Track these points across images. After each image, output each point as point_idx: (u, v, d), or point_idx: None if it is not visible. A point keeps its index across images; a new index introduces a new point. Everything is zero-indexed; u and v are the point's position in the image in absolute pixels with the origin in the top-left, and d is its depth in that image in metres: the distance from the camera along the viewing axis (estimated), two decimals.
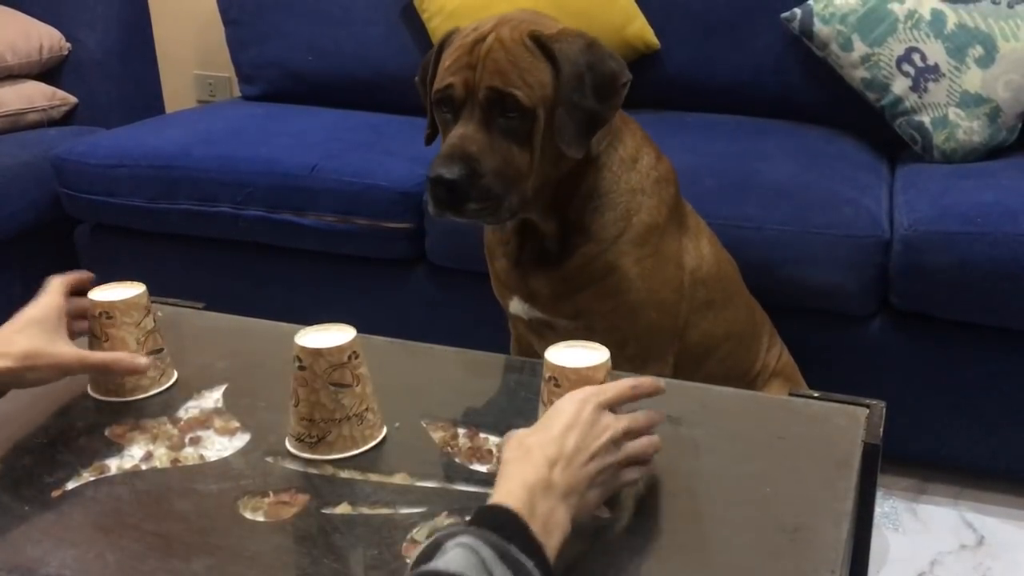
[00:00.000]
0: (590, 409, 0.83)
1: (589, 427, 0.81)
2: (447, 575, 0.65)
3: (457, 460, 0.96)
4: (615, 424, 0.84)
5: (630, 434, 0.85)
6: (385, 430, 1.02)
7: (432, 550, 0.68)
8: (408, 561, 0.81)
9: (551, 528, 0.74)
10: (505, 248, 1.33)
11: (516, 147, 1.15)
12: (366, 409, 0.98)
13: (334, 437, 0.97)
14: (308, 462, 0.96)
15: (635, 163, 1.27)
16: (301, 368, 0.95)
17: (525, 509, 0.73)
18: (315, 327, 0.98)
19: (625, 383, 0.88)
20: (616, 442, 0.83)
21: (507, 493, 0.74)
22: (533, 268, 1.30)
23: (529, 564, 0.69)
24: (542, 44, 1.15)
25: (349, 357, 0.96)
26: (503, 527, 0.70)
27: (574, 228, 1.26)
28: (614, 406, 0.86)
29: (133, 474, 0.95)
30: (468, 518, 0.72)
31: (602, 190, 1.25)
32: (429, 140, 1.31)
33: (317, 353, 0.94)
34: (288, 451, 0.99)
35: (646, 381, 0.90)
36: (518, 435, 0.81)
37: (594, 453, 0.81)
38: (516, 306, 1.35)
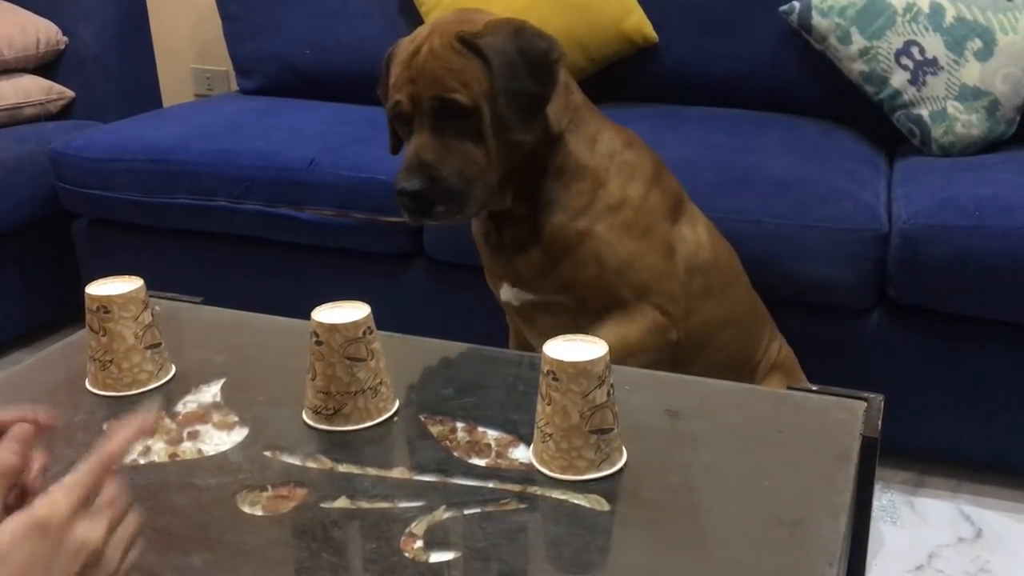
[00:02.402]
0: (51, 536, 0.61)
1: (51, 565, 0.61)
2: None
3: (455, 454, 0.96)
4: (92, 534, 0.63)
5: (114, 524, 0.66)
6: (398, 404, 1.05)
7: None
8: (407, 555, 0.81)
9: None
10: (487, 237, 1.37)
11: (471, 145, 1.21)
12: (380, 383, 1.02)
13: (349, 409, 1.00)
14: (322, 437, 0.98)
15: (599, 138, 1.31)
16: (318, 343, 0.98)
17: None
18: (330, 304, 1.01)
19: (88, 465, 0.66)
20: (100, 553, 0.64)
21: None
22: (515, 251, 1.33)
23: None
24: (469, 43, 1.20)
25: (364, 332, 0.99)
26: None
27: (545, 204, 1.29)
28: (89, 500, 0.65)
29: (131, 468, 0.95)
30: None
31: (570, 165, 1.29)
32: (394, 150, 1.36)
33: (333, 328, 0.97)
34: (305, 423, 1.02)
35: (114, 442, 0.68)
36: None
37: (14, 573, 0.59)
38: (506, 292, 1.38)
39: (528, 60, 1.20)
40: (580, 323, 1.30)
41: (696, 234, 1.39)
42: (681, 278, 1.34)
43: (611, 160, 1.31)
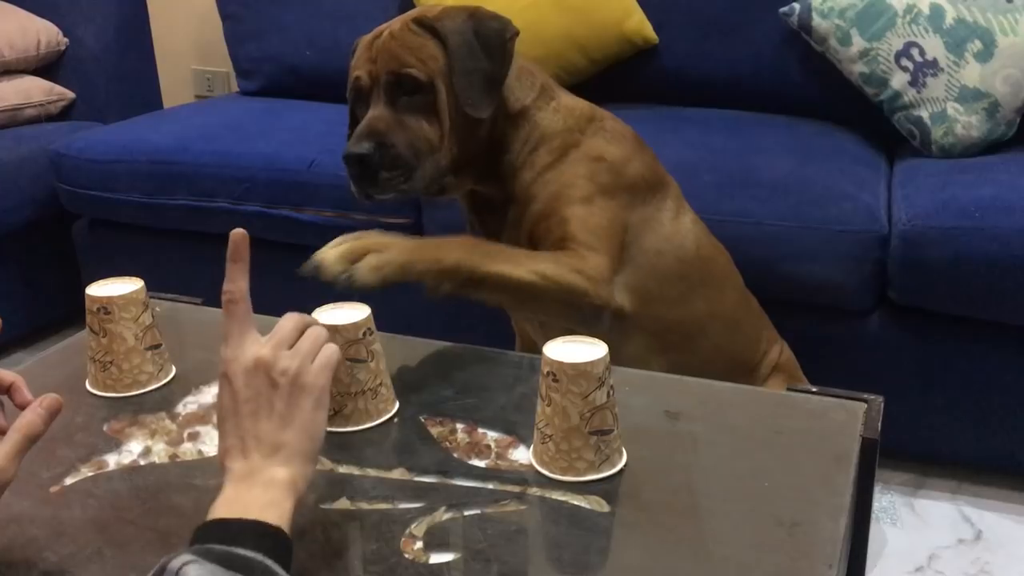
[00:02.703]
0: (226, 381, 0.80)
1: (236, 393, 0.79)
2: None
3: (455, 455, 0.97)
4: (261, 352, 0.81)
5: (285, 342, 0.83)
6: (397, 405, 1.05)
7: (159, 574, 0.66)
8: (407, 556, 0.81)
9: (275, 498, 0.74)
10: (472, 227, 1.39)
11: (423, 120, 1.24)
12: (380, 384, 1.02)
13: (350, 410, 1.00)
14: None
15: (572, 109, 1.33)
16: None
17: (234, 510, 0.72)
18: (331, 305, 1.02)
19: (288, 320, 0.86)
20: (272, 368, 0.80)
21: (215, 513, 0.73)
22: (497, 231, 1.34)
23: (260, 558, 0.67)
24: (426, 25, 1.25)
25: (364, 334, 1.00)
26: (222, 534, 0.69)
27: (513, 171, 1.31)
28: (285, 346, 0.83)
29: (131, 469, 0.95)
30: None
31: (537, 135, 1.31)
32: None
33: (334, 329, 0.97)
34: None
35: (305, 317, 0.88)
36: (219, 455, 0.80)
37: (260, 401, 0.79)
38: None
39: (482, 38, 1.25)
40: None
41: (678, 223, 1.37)
42: (629, 258, 1.31)
43: (589, 124, 1.33)
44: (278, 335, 0.84)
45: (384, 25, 1.30)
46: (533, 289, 1.18)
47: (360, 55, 1.29)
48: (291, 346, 0.83)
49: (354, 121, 1.33)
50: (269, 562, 0.68)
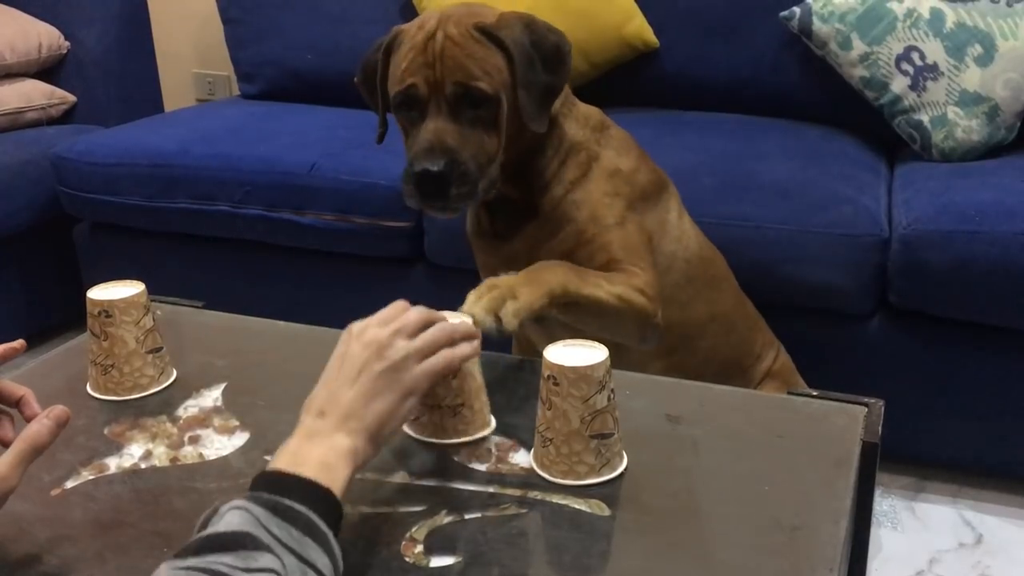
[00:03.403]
0: (347, 339, 0.86)
1: (345, 355, 0.85)
2: (225, 534, 0.67)
3: (456, 459, 0.97)
4: (379, 334, 0.86)
5: (414, 334, 0.88)
6: (488, 431, 1.01)
7: (211, 516, 0.71)
8: (408, 560, 0.81)
9: (331, 462, 0.77)
10: (478, 226, 1.38)
11: (484, 133, 1.22)
12: (461, 404, 0.99)
13: (426, 420, 0.99)
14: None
15: (588, 117, 1.34)
16: None
17: (292, 463, 0.76)
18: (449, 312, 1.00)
19: (414, 312, 0.91)
20: (385, 348, 0.85)
21: (275, 463, 0.77)
22: (509, 233, 1.33)
23: (306, 511, 0.71)
24: (489, 33, 1.22)
25: None
26: (274, 485, 0.73)
27: (541, 182, 1.31)
28: (387, 322, 0.88)
29: (132, 473, 0.95)
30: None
31: (565, 144, 1.31)
32: (381, 139, 1.36)
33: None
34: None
35: (432, 312, 0.93)
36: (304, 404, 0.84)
37: (358, 372, 0.83)
38: None
39: (542, 52, 1.24)
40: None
41: (681, 223, 1.40)
42: (656, 265, 1.34)
43: (602, 134, 1.34)
44: (401, 322, 0.88)
45: (429, 24, 1.22)
46: (611, 310, 1.22)
47: (412, 58, 1.21)
48: (411, 335, 0.88)
49: (383, 123, 1.32)
50: (314, 516, 0.71)
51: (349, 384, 0.82)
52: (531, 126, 1.23)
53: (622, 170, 1.32)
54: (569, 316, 1.22)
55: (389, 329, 0.86)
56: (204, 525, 0.70)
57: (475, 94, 1.20)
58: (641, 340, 1.31)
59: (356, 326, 0.88)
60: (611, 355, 0.91)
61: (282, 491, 0.72)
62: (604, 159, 1.32)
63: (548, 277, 1.17)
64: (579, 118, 1.33)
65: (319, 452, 0.77)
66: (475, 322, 1.04)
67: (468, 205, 1.26)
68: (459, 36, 1.20)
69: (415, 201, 1.21)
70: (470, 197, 1.22)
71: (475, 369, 0.99)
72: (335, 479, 0.76)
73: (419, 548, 0.83)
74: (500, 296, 1.12)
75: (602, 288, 1.22)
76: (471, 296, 1.12)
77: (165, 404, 1.08)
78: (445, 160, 1.18)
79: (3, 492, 0.77)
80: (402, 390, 0.85)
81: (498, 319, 1.11)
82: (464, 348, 0.93)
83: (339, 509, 0.75)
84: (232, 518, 0.69)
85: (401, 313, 0.90)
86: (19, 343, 0.92)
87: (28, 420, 0.86)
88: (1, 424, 0.89)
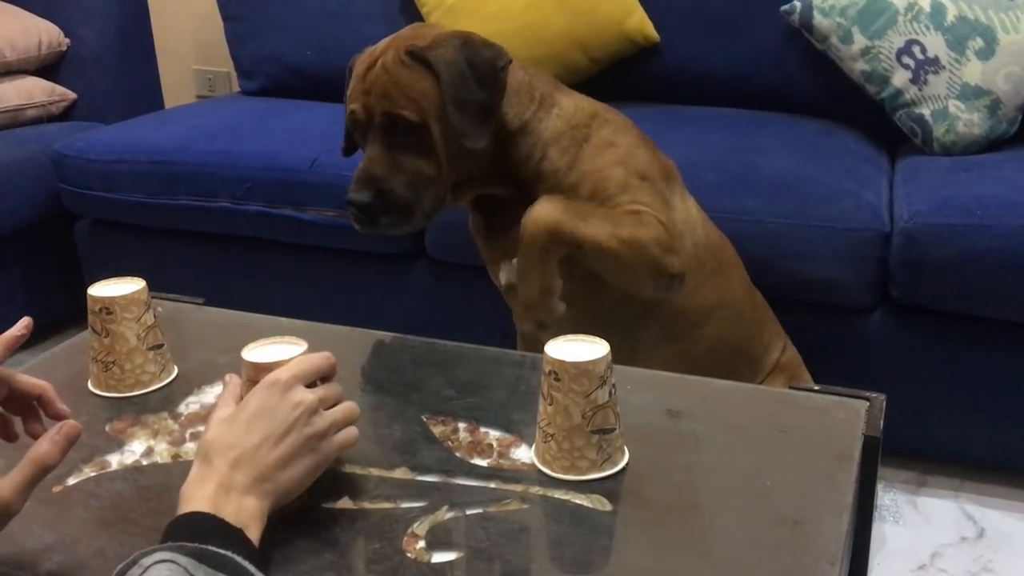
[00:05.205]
0: (277, 392, 0.83)
1: (275, 410, 0.82)
2: None
3: (457, 454, 0.97)
4: (308, 397, 0.84)
5: (327, 402, 0.87)
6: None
7: (128, 567, 0.68)
8: (409, 555, 0.81)
9: (244, 522, 0.76)
10: (476, 224, 1.40)
11: (420, 159, 1.26)
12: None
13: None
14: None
15: (574, 115, 1.33)
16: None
17: (212, 510, 0.75)
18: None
19: (319, 355, 0.89)
20: (311, 414, 0.84)
21: (191, 508, 0.75)
22: (507, 228, 1.33)
23: (232, 555, 0.69)
24: (418, 56, 1.24)
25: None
26: (195, 530, 0.72)
27: (529, 182, 1.31)
28: (308, 379, 0.87)
29: (134, 469, 0.96)
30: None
31: (543, 143, 1.31)
32: (346, 152, 1.40)
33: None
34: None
35: (325, 356, 0.90)
36: (204, 439, 0.82)
37: (284, 434, 0.82)
38: (507, 273, 1.38)
39: (475, 69, 1.24)
40: (584, 286, 1.31)
41: (687, 207, 1.40)
42: (678, 226, 1.34)
43: (593, 120, 1.33)
44: (302, 366, 0.87)
45: (379, 47, 1.29)
46: (614, 254, 1.24)
47: (355, 86, 1.28)
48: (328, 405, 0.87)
49: (348, 137, 1.36)
50: (239, 559, 0.69)
51: (272, 444, 0.81)
52: (467, 144, 1.24)
53: (617, 144, 1.32)
54: (586, 260, 1.25)
55: (316, 395, 0.85)
56: (122, 575, 0.68)
57: (402, 122, 1.24)
58: (656, 287, 1.31)
59: (280, 378, 0.84)
60: (618, 337, 0.91)
61: (205, 536, 0.71)
62: (595, 138, 1.32)
63: (540, 237, 1.21)
64: (561, 115, 1.32)
65: (231, 509, 0.76)
66: (528, 338, 1.07)
67: (411, 228, 1.29)
68: (391, 63, 1.24)
69: (356, 227, 1.27)
70: (405, 223, 1.26)
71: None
72: (251, 539, 0.75)
73: (421, 544, 0.83)
74: (528, 306, 1.19)
75: (603, 229, 1.23)
76: (517, 324, 1.21)
77: (166, 401, 1.08)
78: (370, 191, 1.24)
79: (4, 517, 0.76)
80: (320, 459, 0.85)
81: (542, 324, 1.19)
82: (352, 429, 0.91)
83: (259, 561, 0.73)
84: (159, 574, 0.66)
85: (316, 369, 0.88)
86: (24, 322, 0.92)
87: (52, 418, 0.86)
88: (30, 422, 0.88)
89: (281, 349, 0.92)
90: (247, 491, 0.78)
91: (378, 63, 1.26)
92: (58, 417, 0.86)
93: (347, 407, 0.89)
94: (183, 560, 0.67)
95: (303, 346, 0.92)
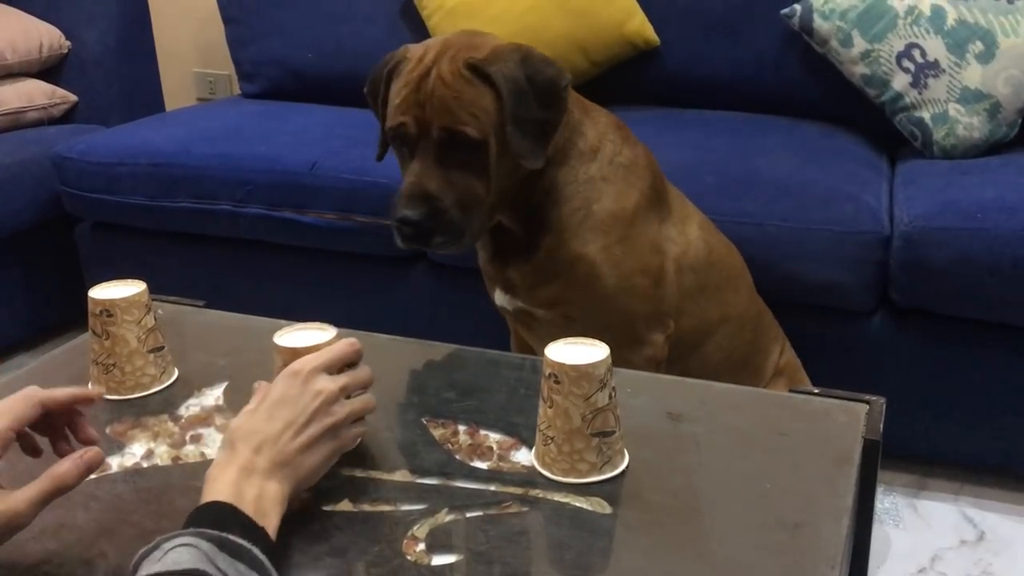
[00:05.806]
0: (299, 381, 0.86)
1: (297, 398, 0.85)
2: (175, 573, 0.66)
3: (457, 457, 0.97)
4: (329, 386, 0.86)
5: (347, 390, 0.89)
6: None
7: (150, 551, 0.69)
8: (409, 558, 0.81)
9: (266, 508, 0.78)
10: (483, 243, 1.37)
11: (473, 177, 1.20)
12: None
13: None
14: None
15: (596, 153, 1.29)
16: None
17: (234, 498, 0.76)
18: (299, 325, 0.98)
19: (343, 342, 0.92)
20: (332, 403, 0.86)
21: (214, 493, 0.77)
22: (509, 260, 1.33)
23: (250, 547, 0.71)
24: (479, 71, 1.18)
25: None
26: (217, 519, 0.73)
27: (535, 222, 1.29)
28: (332, 368, 0.89)
29: (134, 472, 0.96)
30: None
31: (559, 183, 1.27)
32: (380, 157, 1.35)
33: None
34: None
35: (351, 343, 0.92)
36: (230, 427, 0.84)
37: (306, 422, 0.84)
38: (500, 297, 1.39)
39: (536, 87, 1.19)
40: (571, 332, 1.30)
41: (685, 233, 1.38)
42: (672, 286, 1.34)
43: (608, 166, 1.29)
44: (350, 377, 0.90)
45: (429, 57, 1.20)
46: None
47: (405, 95, 1.19)
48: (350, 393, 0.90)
49: (383, 143, 1.31)
50: (257, 552, 0.71)
51: (294, 431, 0.83)
52: (525, 164, 1.20)
53: (625, 210, 1.29)
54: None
55: (337, 384, 0.87)
56: (142, 559, 0.69)
57: (461, 139, 1.17)
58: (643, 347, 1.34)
59: (303, 367, 0.87)
60: (617, 363, 0.91)
61: (226, 526, 0.72)
62: (605, 201, 1.28)
63: None
64: (584, 152, 1.28)
65: (253, 493, 0.78)
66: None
67: (459, 249, 1.24)
68: (450, 76, 1.17)
69: (400, 243, 1.22)
70: (455, 243, 1.21)
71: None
72: (267, 526, 0.76)
73: (420, 546, 0.83)
74: None
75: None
76: None
77: (167, 403, 1.08)
78: (425, 209, 1.17)
79: (14, 528, 0.77)
80: (337, 447, 0.88)
81: None
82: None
83: (274, 554, 0.74)
84: (180, 555, 0.68)
85: (339, 357, 0.90)
86: (96, 393, 0.89)
87: (81, 441, 0.87)
88: (59, 442, 0.88)
89: (311, 335, 0.95)
90: (269, 475, 0.80)
91: (432, 73, 1.18)
92: (87, 441, 0.87)
93: (364, 399, 0.92)
94: (204, 545, 0.69)
95: (332, 332, 0.96)
